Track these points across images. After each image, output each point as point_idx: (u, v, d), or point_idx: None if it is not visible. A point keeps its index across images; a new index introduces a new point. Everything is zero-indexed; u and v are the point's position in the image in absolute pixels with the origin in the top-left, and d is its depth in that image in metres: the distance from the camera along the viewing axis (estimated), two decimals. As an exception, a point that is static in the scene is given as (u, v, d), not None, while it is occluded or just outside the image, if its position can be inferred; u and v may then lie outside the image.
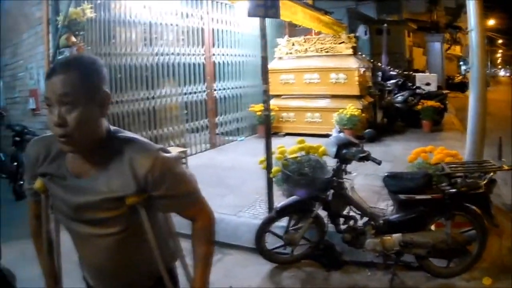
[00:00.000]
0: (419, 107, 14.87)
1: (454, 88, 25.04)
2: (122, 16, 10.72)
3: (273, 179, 7.03)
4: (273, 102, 13.48)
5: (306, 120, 14.51)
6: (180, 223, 2.66)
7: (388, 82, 16.22)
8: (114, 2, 10.40)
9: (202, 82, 13.56)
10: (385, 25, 19.15)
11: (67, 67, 2.12)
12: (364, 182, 6.91)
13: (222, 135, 14.37)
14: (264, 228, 5.96)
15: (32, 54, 10.72)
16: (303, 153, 6.78)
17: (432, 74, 19.95)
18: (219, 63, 14.21)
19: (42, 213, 2.59)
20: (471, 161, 6.75)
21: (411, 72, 20.01)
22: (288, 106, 14.54)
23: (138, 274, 2.51)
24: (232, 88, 14.82)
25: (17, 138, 10.26)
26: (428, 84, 17.51)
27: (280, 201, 6.49)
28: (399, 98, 15.47)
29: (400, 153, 9.57)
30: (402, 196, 5.54)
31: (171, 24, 12.26)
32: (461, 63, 42.15)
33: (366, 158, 5.56)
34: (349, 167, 5.87)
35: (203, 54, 13.50)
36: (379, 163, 5.56)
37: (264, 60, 7.17)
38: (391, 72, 17.46)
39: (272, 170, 6.95)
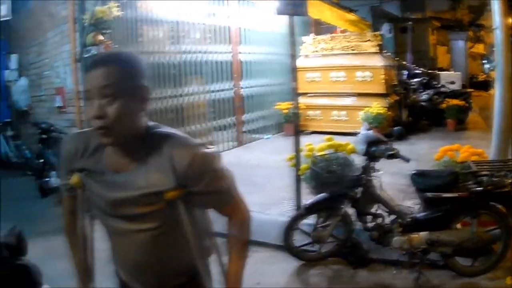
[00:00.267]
0: (443, 105, 14.76)
1: (477, 86, 24.88)
2: (149, 14, 10.76)
3: (301, 177, 7.02)
4: (300, 100, 13.30)
5: (332, 118, 14.45)
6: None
7: (412, 80, 16.15)
8: (140, 1, 10.48)
9: (229, 80, 13.59)
10: (410, 22, 19.10)
11: (109, 60, 2.14)
12: (389, 180, 6.90)
13: (249, 133, 14.38)
14: (292, 225, 5.97)
15: (57, 53, 10.78)
16: (331, 150, 6.77)
17: (456, 73, 19.84)
18: (245, 61, 14.22)
19: (77, 208, 2.58)
20: (496, 159, 6.73)
21: (435, 71, 19.89)
22: (314, 104, 14.46)
23: (172, 269, 2.50)
24: (259, 86, 14.83)
25: (43, 136, 10.28)
26: (452, 82, 17.38)
27: (307, 198, 6.51)
28: (424, 96, 15.38)
29: (425, 152, 9.54)
30: (429, 194, 5.53)
31: (198, 23, 12.31)
32: (484, 61, 41.84)
33: (395, 155, 5.56)
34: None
35: (229, 52, 13.55)
36: (407, 160, 5.57)
37: (293, 58, 7.15)
38: (416, 71, 17.39)
39: (301, 167, 6.94)
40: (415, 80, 16.14)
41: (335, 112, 14.42)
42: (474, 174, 5.58)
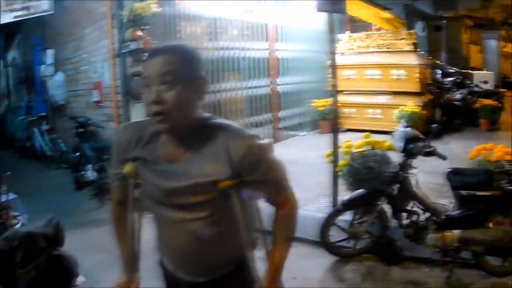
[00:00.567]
0: (477, 105, 14.62)
1: (509, 86, 24.66)
2: (187, 11, 10.83)
3: (339, 173, 7.05)
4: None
5: (367, 116, 14.33)
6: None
7: (446, 79, 16.06)
8: (179, -2, 10.54)
9: (265, 77, 13.62)
10: (444, 21, 19.00)
11: (169, 49, 2.22)
12: (423, 179, 6.88)
13: (284, 130, 14.37)
14: (329, 221, 6.03)
15: (95, 48, 10.90)
16: (368, 147, 6.80)
17: (489, 72, 19.64)
18: (282, 58, 14.22)
19: (129, 198, 2.62)
20: (530, 159, 6.74)
21: (468, 70, 19.75)
22: (349, 102, 14.28)
23: (220, 259, 2.55)
24: (295, 83, 14.78)
25: (80, 130, 10.42)
26: (485, 82, 17.21)
27: (343, 195, 6.55)
28: (458, 96, 15.25)
29: (458, 151, 9.51)
30: (463, 192, 5.55)
31: (236, 19, 12.37)
32: (516, 61, 41.47)
33: (432, 153, 5.59)
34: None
35: (266, 49, 13.57)
36: (444, 158, 5.60)
37: (332, 55, 7.18)
38: (449, 70, 17.28)
39: (339, 164, 6.97)
40: (449, 79, 16.05)
41: (370, 110, 14.32)
42: (508, 173, 5.60)
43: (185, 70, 2.19)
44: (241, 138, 2.27)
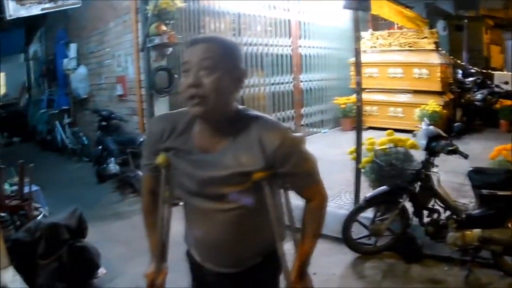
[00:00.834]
0: (497, 106, 14.56)
1: (529, 88, 24.46)
2: (211, 6, 10.90)
3: (362, 170, 7.07)
4: (357, 95, 13.41)
5: (389, 115, 14.32)
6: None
7: (467, 79, 15.99)
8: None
9: (288, 73, 13.65)
10: (466, 21, 18.88)
11: (211, 39, 2.28)
12: (443, 178, 6.90)
13: (307, 127, 14.36)
14: (352, 217, 6.06)
15: (119, 42, 10.99)
16: (391, 145, 6.82)
17: (509, 73, 19.49)
18: (305, 54, 14.25)
19: (161, 188, 2.65)
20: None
21: (489, 70, 19.62)
22: (371, 99, 14.26)
23: (250, 250, 2.58)
24: (317, 80, 14.83)
25: (103, 123, 10.48)
26: (506, 82, 17.06)
27: (365, 192, 6.59)
28: (478, 96, 15.12)
29: (479, 152, 9.48)
30: (484, 191, 5.54)
31: (259, 15, 12.41)
32: (536, 62, 41.12)
33: (455, 151, 5.59)
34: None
35: (290, 46, 13.59)
36: (466, 157, 5.59)
37: (357, 53, 7.19)
38: (471, 70, 17.20)
39: (362, 160, 7.00)
40: (470, 79, 15.98)
41: (391, 109, 14.30)
42: (528, 174, 5.62)
43: (225, 59, 2.22)
44: (275, 130, 2.29)
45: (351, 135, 8.86)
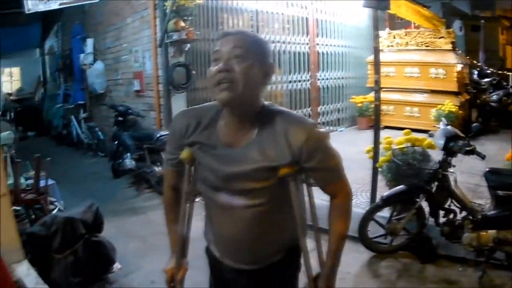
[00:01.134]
0: (512, 107, 14.51)
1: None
2: (229, 3, 10.92)
3: (379, 169, 7.05)
4: (373, 94, 13.36)
5: (405, 114, 14.28)
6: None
7: (482, 80, 15.92)
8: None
9: (306, 71, 13.65)
10: (482, 21, 18.81)
11: (242, 31, 2.31)
12: (459, 179, 6.89)
13: (323, 125, 14.24)
14: (368, 216, 6.05)
15: (137, 38, 11.03)
16: (408, 144, 6.81)
17: (526, 75, 19.52)
18: (322, 52, 14.26)
19: (184, 183, 2.64)
20: None
21: (505, 71, 19.52)
22: (387, 99, 14.08)
23: (271, 247, 2.58)
24: (334, 78, 14.83)
25: (120, 118, 10.53)
26: (522, 84, 17.11)
27: (381, 191, 6.59)
28: (494, 97, 15.06)
29: (494, 153, 9.43)
30: (500, 192, 5.52)
31: (277, 13, 12.39)
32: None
33: (472, 151, 5.58)
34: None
35: (307, 43, 13.60)
36: (483, 157, 5.58)
37: (376, 51, 7.18)
38: (486, 70, 17.12)
39: (379, 159, 6.99)
40: (486, 80, 15.91)
41: (407, 108, 14.26)
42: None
43: (255, 51, 2.24)
44: (301, 125, 2.29)
45: (368, 134, 8.84)
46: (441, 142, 5.76)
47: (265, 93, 11.76)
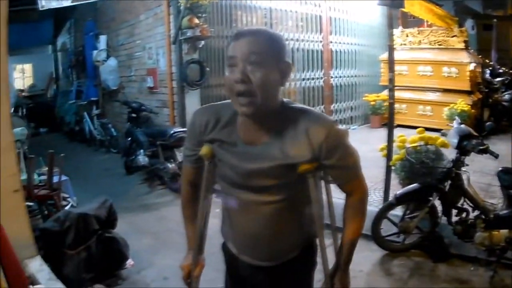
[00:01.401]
0: (524, 106, 14.41)
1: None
2: (243, 0, 10.96)
3: (392, 167, 7.04)
4: (385, 93, 13.33)
5: (418, 113, 14.25)
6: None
7: (495, 79, 15.85)
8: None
9: (319, 69, 13.66)
10: (495, 20, 18.74)
11: (256, 32, 2.25)
12: (471, 178, 6.90)
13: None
14: (382, 214, 6.05)
15: (150, 35, 11.09)
16: (422, 143, 6.80)
17: (538, 74, 19.45)
18: (336, 50, 14.27)
19: (203, 179, 2.64)
20: None
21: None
22: (400, 97, 13.94)
23: (288, 243, 2.59)
24: (348, 76, 14.84)
25: (133, 115, 10.56)
26: (535, 83, 17.03)
27: (394, 190, 6.59)
28: (506, 96, 14.98)
29: (506, 152, 9.35)
30: (512, 191, 5.55)
31: (291, 10, 12.39)
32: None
33: (485, 150, 5.57)
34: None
35: (320, 41, 13.61)
36: (496, 156, 5.57)
37: (391, 49, 7.17)
38: (499, 70, 17.06)
39: (393, 158, 6.97)
40: (498, 79, 15.85)
41: (420, 107, 14.22)
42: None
43: (271, 53, 2.21)
44: (322, 123, 2.28)
45: (380, 132, 8.83)
46: (454, 140, 5.75)
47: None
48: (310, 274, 2.76)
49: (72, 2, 10.33)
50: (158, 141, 9.29)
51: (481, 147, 5.57)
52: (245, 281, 2.76)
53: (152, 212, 8.06)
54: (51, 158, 6.52)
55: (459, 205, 5.85)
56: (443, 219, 5.94)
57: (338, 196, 2.59)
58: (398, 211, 6.22)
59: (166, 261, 6.01)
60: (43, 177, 6.75)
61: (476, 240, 5.57)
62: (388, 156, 6.95)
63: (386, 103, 12.47)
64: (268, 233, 2.50)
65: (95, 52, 14.28)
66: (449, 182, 5.79)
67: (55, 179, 6.55)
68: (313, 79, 13.41)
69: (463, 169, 5.81)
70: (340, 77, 14.54)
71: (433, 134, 7.26)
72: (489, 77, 15.36)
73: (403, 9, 10.39)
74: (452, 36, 14.18)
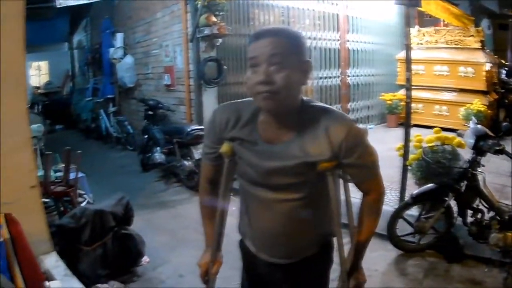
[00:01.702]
0: (538, 108, 14.31)
1: None
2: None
3: (408, 167, 7.03)
4: (401, 92, 13.47)
5: (434, 113, 14.11)
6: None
7: (511, 80, 15.74)
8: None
9: (336, 68, 13.63)
10: (511, 20, 18.58)
11: (277, 32, 2.26)
12: (486, 179, 6.90)
13: (353, 122, 14.20)
14: (398, 214, 6.05)
15: (167, 32, 11.14)
16: (438, 143, 6.79)
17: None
18: (353, 49, 14.20)
19: (222, 177, 2.66)
20: None
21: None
22: (417, 97, 13.73)
23: (306, 241, 2.61)
24: (364, 75, 14.78)
25: (150, 112, 10.64)
26: (550, 84, 16.91)
27: (410, 190, 6.58)
28: (522, 97, 15.01)
29: (521, 155, 9.44)
30: (528, 193, 5.55)
31: (308, 9, 12.38)
32: None
33: (501, 151, 5.56)
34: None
35: (338, 40, 13.57)
36: (512, 157, 5.59)
37: (408, 49, 7.15)
38: (514, 70, 16.98)
39: (409, 157, 6.97)
40: (512, 80, 15.78)
41: (437, 107, 14.09)
42: None
43: (293, 54, 2.22)
44: (342, 122, 2.30)
45: (397, 132, 8.82)
46: (471, 141, 5.74)
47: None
48: (327, 272, 2.78)
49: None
50: (175, 139, 9.31)
51: (497, 148, 5.55)
52: (263, 278, 2.79)
53: (168, 210, 8.10)
54: (68, 154, 6.56)
55: (474, 205, 5.84)
56: (459, 220, 5.93)
57: (354, 196, 2.60)
58: (413, 211, 6.21)
59: (181, 258, 6.04)
60: (59, 174, 6.79)
61: (490, 241, 5.55)
62: (405, 156, 6.92)
63: (402, 103, 12.44)
64: (287, 230, 2.51)
65: (111, 49, 14.37)
66: (465, 182, 5.78)
67: (72, 175, 6.58)
68: (330, 77, 13.36)
69: (479, 170, 5.80)
70: (357, 76, 14.47)
71: (449, 134, 7.23)
72: (505, 78, 15.27)
73: (419, 8, 10.34)
74: (469, 36, 14.05)
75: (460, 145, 6.54)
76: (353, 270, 2.62)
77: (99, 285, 5.14)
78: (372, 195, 2.57)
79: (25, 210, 4.02)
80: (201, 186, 2.88)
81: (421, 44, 14.85)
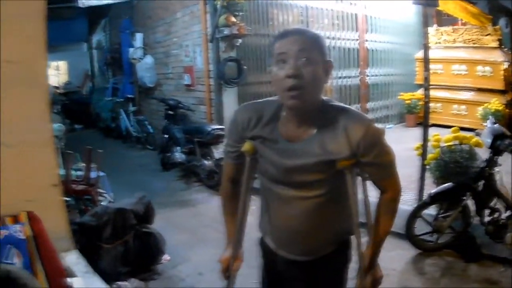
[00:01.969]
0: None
1: None
2: (280, -1, 10.94)
3: (427, 166, 7.02)
4: (420, 92, 13.23)
5: (452, 112, 14.06)
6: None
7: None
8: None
9: (355, 67, 13.66)
10: (530, 18, 18.52)
11: (302, 31, 2.38)
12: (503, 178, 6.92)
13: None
14: (416, 213, 6.06)
15: (187, 33, 11.20)
16: (456, 142, 6.80)
17: None
18: (371, 49, 14.20)
19: (244, 175, 2.72)
20: None
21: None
22: (435, 96, 13.55)
23: (325, 239, 2.67)
24: (383, 75, 14.77)
25: (170, 112, 10.71)
26: None
27: (428, 189, 6.62)
28: (537, 97, 14.89)
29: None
30: (543, 193, 5.56)
31: (326, 9, 12.40)
32: None
33: (518, 150, 5.60)
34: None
35: (356, 39, 13.59)
36: (528, 156, 5.61)
37: (426, 48, 7.16)
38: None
39: (427, 157, 6.96)
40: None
41: (455, 106, 14.03)
42: None
43: (318, 51, 2.31)
44: (360, 121, 2.37)
45: (415, 132, 8.80)
46: (488, 140, 5.74)
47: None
48: (345, 270, 2.82)
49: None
50: (195, 138, 9.38)
51: (514, 147, 5.58)
52: (282, 275, 2.83)
53: (188, 208, 8.18)
54: (89, 154, 6.62)
55: (491, 205, 5.85)
56: (476, 219, 5.95)
57: (371, 195, 2.65)
58: (431, 210, 6.21)
59: (201, 257, 6.10)
60: (80, 173, 6.82)
61: (506, 241, 5.59)
62: (423, 155, 6.93)
63: (421, 102, 12.39)
64: (306, 228, 2.57)
65: (131, 49, 14.43)
66: (482, 182, 5.79)
67: (93, 174, 6.64)
68: (349, 77, 13.38)
69: (496, 169, 5.82)
70: (376, 75, 14.45)
71: (468, 134, 7.23)
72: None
73: (437, 8, 10.33)
74: (486, 35, 13.98)
75: (478, 145, 6.53)
76: (370, 266, 2.67)
77: (119, 282, 5.22)
78: (389, 193, 2.62)
79: (47, 208, 4.05)
80: (222, 184, 2.94)
81: (439, 43, 14.75)
